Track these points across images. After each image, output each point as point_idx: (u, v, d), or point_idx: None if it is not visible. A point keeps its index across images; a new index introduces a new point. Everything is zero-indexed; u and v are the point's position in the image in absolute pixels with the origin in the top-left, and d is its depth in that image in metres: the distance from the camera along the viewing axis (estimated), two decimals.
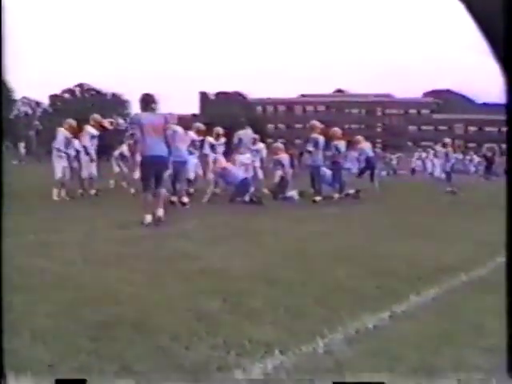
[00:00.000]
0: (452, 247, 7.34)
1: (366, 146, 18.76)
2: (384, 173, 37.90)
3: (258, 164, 17.14)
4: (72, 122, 14.33)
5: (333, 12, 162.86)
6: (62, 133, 13.90)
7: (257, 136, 17.60)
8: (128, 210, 10.37)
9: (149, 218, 8.91)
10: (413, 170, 43.52)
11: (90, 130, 14.71)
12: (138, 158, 9.74)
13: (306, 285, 5.01)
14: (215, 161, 14.96)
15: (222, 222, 9.72)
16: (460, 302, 4.64)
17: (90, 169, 14.68)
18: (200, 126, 15.70)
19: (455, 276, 5.54)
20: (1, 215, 1.70)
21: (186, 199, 12.46)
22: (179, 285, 4.90)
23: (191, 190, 15.00)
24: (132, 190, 15.01)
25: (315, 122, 15.28)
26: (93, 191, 14.63)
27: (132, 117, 9.75)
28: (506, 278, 1.44)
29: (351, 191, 15.96)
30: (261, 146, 17.82)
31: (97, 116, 15.25)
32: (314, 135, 14.62)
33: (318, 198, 14.14)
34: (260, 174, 17.23)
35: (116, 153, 18.87)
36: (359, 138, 18.75)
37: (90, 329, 3.59)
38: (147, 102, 9.32)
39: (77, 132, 14.33)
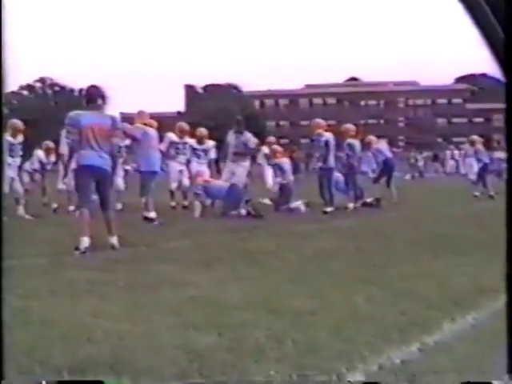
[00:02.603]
0: (492, 264, 7.34)
1: (383, 145, 18.90)
2: (408, 176, 38.00)
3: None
4: (17, 123, 13.82)
5: None
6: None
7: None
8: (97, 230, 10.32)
9: (86, 241, 8.62)
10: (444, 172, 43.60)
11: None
12: (73, 166, 9.51)
13: (317, 313, 5.03)
14: (196, 173, 14.83)
15: (214, 241, 9.75)
16: (503, 329, 4.65)
17: (65, 180, 14.57)
18: (183, 125, 15.73)
19: (496, 299, 5.56)
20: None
21: (152, 214, 12.38)
22: (165, 317, 4.92)
23: (172, 204, 15.08)
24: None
25: (318, 120, 15.35)
26: (71, 207, 14.30)
27: (70, 116, 9.10)
28: (506, 279, 1.51)
29: (369, 200, 16.01)
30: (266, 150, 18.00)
31: None
32: (320, 132, 14.68)
33: (329, 209, 14.15)
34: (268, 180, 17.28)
35: (27, 164, 16.34)
36: (372, 137, 18.84)
37: (58, 373, 3.60)
38: (91, 97, 8.99)
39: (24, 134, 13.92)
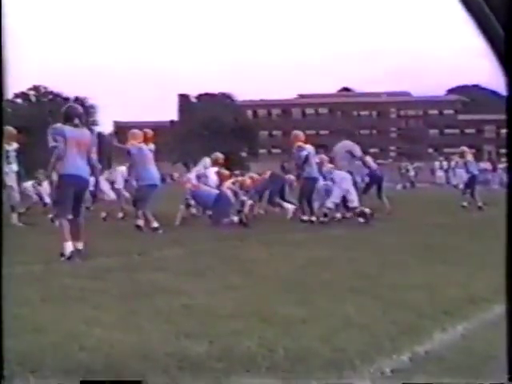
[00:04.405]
0: (482, 274, 7.35)
1: (366, 159, 18.98)
2: (399, 186, 38.15)
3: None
4: (10, 129, 13.62)
5: None
6: None
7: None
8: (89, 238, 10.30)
9: (69, 245, 8.77)
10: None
11: None
12: (55, 176, 9.57)
13: (308, 322, 5.03)
14: (186, 179, 15.07)
15: (204, 249, 9.75)
16: (494, 338, 4.66)
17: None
18: (219, 156, 16.29)
19: (486, 308, 5.57)
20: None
21: (155, 224, 12.52)
22: (157, 325, 4.90)
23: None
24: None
25: (297, 132, 15.58)
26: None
27: (55, 127, 9.28)
28: (506, 278, 1.54)
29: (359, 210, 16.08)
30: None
31: None
32: (300, 144, 14.84)
33: (305, 218, 14.34)
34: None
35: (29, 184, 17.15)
36: None
37: (50, 381, 3.58)
38: (69, 115, 9.20)
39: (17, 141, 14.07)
